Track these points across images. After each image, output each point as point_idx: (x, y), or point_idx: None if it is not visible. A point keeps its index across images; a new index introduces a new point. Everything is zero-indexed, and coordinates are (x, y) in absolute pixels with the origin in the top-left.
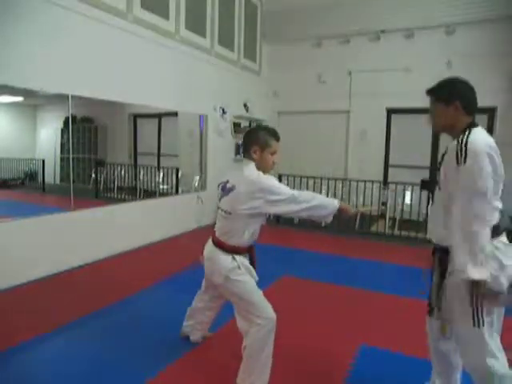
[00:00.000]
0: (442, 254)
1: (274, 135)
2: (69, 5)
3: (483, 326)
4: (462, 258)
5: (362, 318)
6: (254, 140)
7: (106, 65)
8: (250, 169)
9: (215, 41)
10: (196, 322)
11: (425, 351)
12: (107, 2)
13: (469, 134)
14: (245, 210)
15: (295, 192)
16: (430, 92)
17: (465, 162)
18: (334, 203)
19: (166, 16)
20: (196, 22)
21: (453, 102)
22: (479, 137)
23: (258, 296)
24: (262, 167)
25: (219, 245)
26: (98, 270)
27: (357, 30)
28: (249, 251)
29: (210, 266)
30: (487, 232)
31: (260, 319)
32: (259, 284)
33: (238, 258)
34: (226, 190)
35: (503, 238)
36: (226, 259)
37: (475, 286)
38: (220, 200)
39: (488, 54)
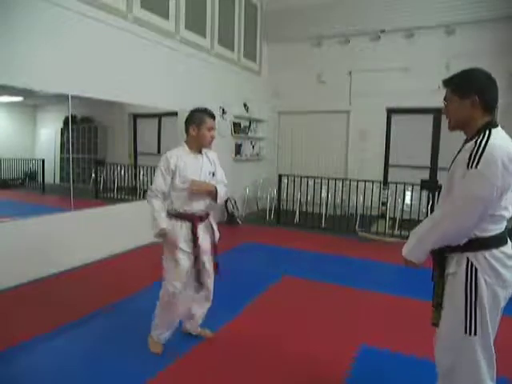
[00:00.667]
0: (440, 255)
1: (208, 113)
2: (69, 5)
3: (475, 335)
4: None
5: (362, 318)
6: (191, 119)
7: (105, 65)
8: (178, 147)
9: (215, 41)
10: (187, 317)
11: (424, 351)
12: (107, 2)
13: (489, 135)
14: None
15: (152, 191)
16: (447, 82)
17: (476, 166)
18: (158, 226)
19: (165, 16)
20: (196, 22)
21: (469, 95)
22: (500, 142)
23: (169, 266)
24: (201, 142)
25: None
26: (98, 270)
27: (357, 30)
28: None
29: None
30: (449, 237)
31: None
32: (259, 284)
33: (172, 221)
34: None
35: (507, 249)
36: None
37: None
38: None
39: (488, 53)
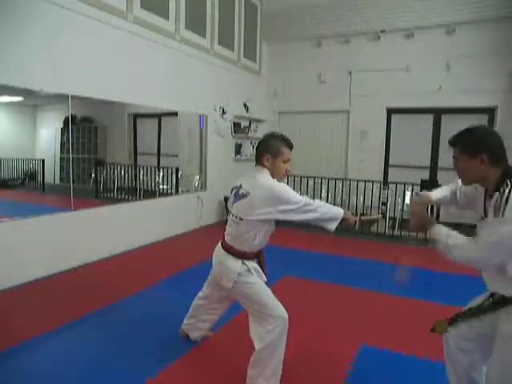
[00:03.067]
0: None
1: (287, 143)
2: (69, 5)
3: None
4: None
5: (362, 318)
6: (266, 148)
7: (105, 65)
8: (265, 176)
9: (215, 41)
10: (197, 321)
11: (424, 351)
12: (107, 2)
13: (511, 187)
14: (256, 216)
15: (306, 200)
16: (453, 142)
17: (503, 214)
18: (340, 212)
19: (165, 16)
20: (196, 22)
21: (479, 154)
22: None
23: (267, 295)
24: (275, 175)
25: (229, 250)
26: (98, 270)
27: (357, 30)
28: (257, 255)
29: (219, 271)
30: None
31: (272, 318)
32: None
33: (247, 262)
34: (238, 195)
35: None
36: (235, 264)
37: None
38: (232, 205)
39: (488, 53)
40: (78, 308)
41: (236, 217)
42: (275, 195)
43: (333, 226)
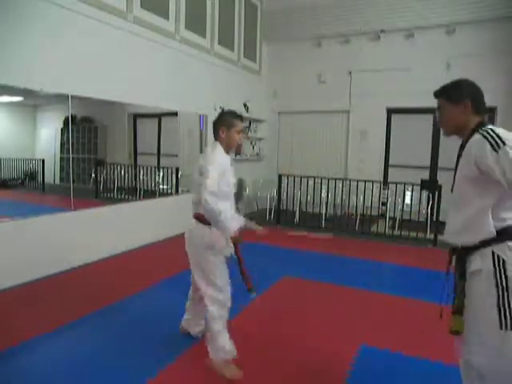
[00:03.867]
0: (461, 255)
1: (238, 116)
2: (69, 5)
3: (511, 329)
4: None
5: (362, 318)
6: (221, 122)
7: (105, 65)
8: (213, 147)
9: (215, 41)
10: (194, 315)
11: (425, 351)
12: (107, 2)
13: (489, 128)
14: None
15: (211, 189)
16: (439, 92)
17: (504, 143)
18: (230, 231)
19: (165, 16)
20: (196, 22)
21: (463, 101)
22: (501, 129)
23: (220, 277)
24: (230, 144)
25: (198, 218)
26: (98, 270)
27: (357, 30)
28: None
29: (188, 238)
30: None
31: (216, 300)
32: (259, 285)
33: (214, 230)
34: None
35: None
36: (203, 229)
37: None
38: None
39: (488, 53)
40: (77, 308)
41: (194, 184)
42: (207, 161)
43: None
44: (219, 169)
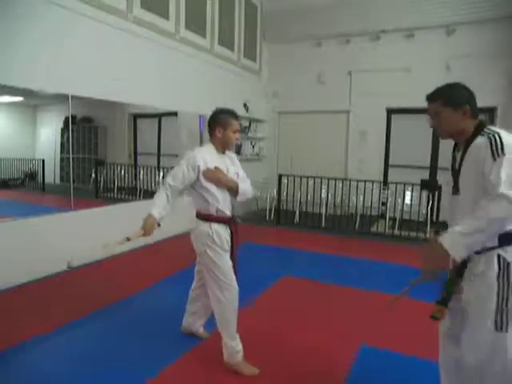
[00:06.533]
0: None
1: (234, 115)
2: (69, 5)
3: (506, 331)
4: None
5: (362, 318)
6: (216, 121)
7: (106, 65)
8: (202, 147)
9: (215, 41)
10: (195, 314)
11: (424, 351)
12: (107, 2)
13: (494, 131)
14: None
15: (170, 182)
16: (434, 96)
17: (503, 153)
18: (151, 212)
19: (166, 16)
20: (196, 22)
21: (462, 106)
22: (506, 134)
23: (225, 271)
24: (226, 144)
25: (197, 215)
26: (99, 269)
27: (357, 30)
28: (227, 222)
29: (193, 236)
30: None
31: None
32: (259, 284)
33: (214, 226)
34: None
35: None
36: (203, 226)
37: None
38: None
39: (488, 54)
40: (78, 308)
41: None
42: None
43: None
44: (189, 162)
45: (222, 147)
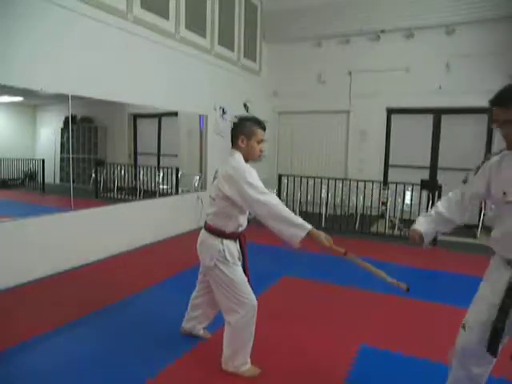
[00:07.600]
0: None
1: (259, 124)
2: (69, 5)
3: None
4: None
5: (362, 318)
6: (241, 129)
7: (106, 65)
8: (235, 157)
9: (215, 41)
10: (196, 315)
11: (424, 351)
12: (107, 2)
13: None
14: (224, 193)
15: (263, 191)
16: (503, 101)
17: None
18: (305, 226)
19: (165, 16)
20: (196, 22)
21: None
22: None
23: (240, 286)
24: (250, 155)
25: (209, 229)
26: (98, 270)
27: (357, 30)
28: (238, 237)
29: (200, 250)
30: None
31: (244, 304)
32: (259, 284)
33: (225, 241)
34: (214, 178)
35: None
36: (214, 241)
37: None
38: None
39: (488, 53)
40: (78, 308)
41: (210, 196)
42: (238, 174)
43: (295, 239)
44: (256, 176)
45: (245, 158)
